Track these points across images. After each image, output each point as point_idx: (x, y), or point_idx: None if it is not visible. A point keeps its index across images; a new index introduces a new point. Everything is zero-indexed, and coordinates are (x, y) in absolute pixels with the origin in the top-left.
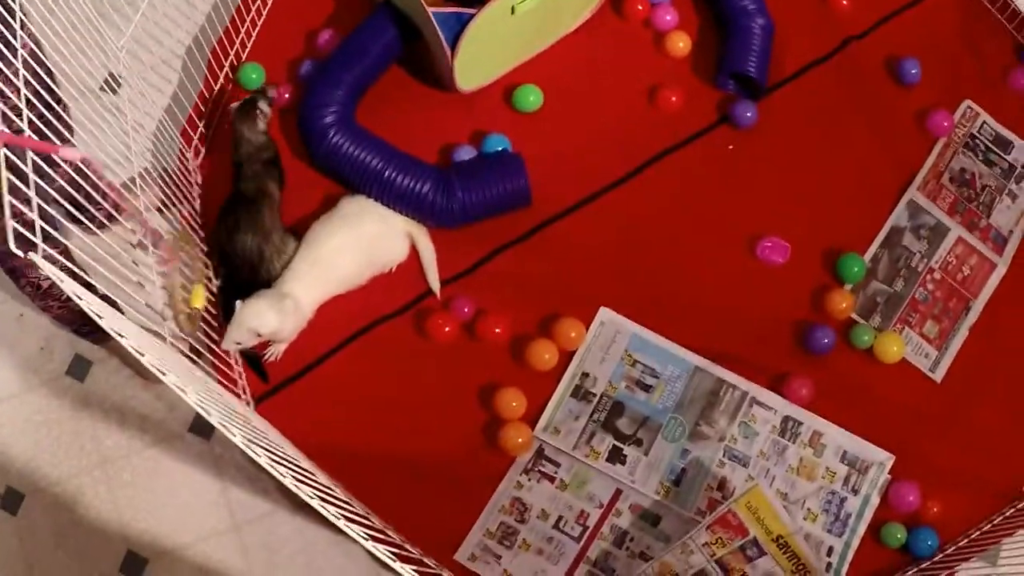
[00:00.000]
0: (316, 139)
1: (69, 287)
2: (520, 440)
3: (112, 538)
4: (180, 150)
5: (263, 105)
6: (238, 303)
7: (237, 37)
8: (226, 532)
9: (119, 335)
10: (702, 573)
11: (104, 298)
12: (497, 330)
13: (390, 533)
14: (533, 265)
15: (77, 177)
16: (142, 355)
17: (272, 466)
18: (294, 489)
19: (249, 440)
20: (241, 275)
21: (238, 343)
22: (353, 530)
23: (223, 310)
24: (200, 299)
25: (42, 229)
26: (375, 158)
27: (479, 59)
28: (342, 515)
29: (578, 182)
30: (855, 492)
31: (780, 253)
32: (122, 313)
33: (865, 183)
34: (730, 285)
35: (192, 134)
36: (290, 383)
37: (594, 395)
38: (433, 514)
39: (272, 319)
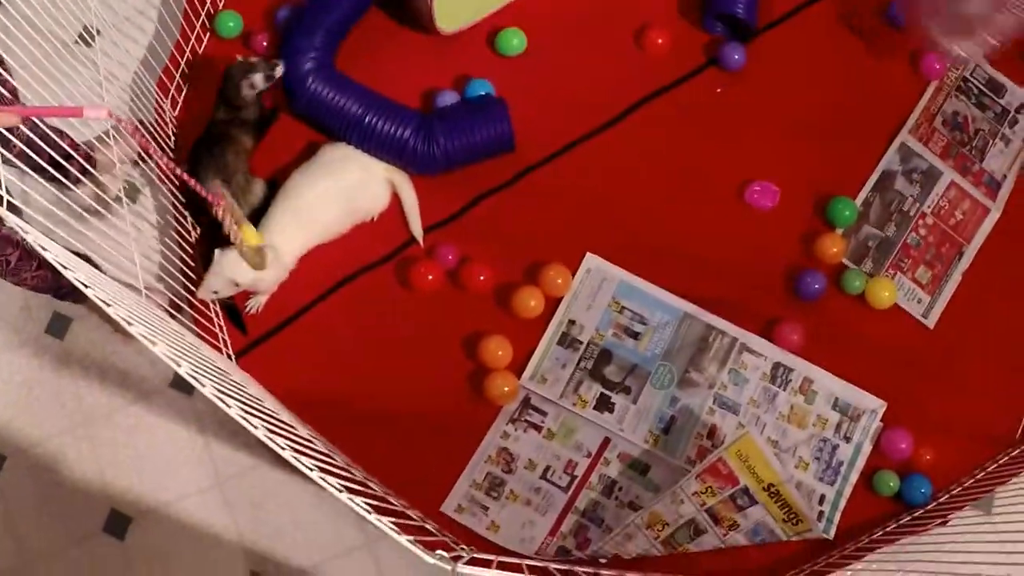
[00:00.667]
0: (295, 86)
1: (33, 238)
2: (506, 389)
3: (95, 497)
4: (157, 101)
5: (256, 78)
6: (216, 251)
7: None
8: (209, 488)
9: (84, 285)
10: (692, 523)
11: (77, 254)
12: (481, 277)
13: (372, 485)
14: (518, 211)
15: (36, 138)
16: (107, 305)
17: (243, 418)
18: (267, 442)
19: (220, 391)
20: (211, 217)
21: (215, 292)
22: (328, 482)
23: (202, 259)
24: (253, 236)
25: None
26: (355, 104)
27: None
28: (317, 467)
29: (563, 127)
30: (847, 440)
31: (770, 198)
32: (98, 268)
33: (856, 126)
34: (719, 230)
35: (169, 84)
36: (272, 335)
37: (581, 343)
38: (419, 465)
39: (248, 269)
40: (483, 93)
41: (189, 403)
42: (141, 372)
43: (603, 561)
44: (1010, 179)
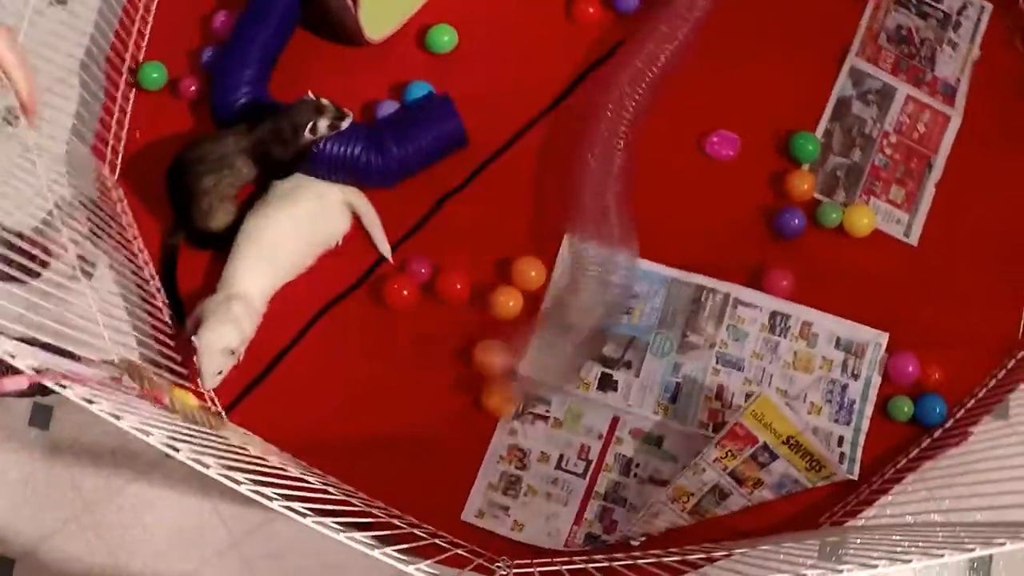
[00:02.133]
0: (233, 123)
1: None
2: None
3: None
4: (95, 169)
5: (321, 124)
6: (194, 339)
7: (130, 39)
8: (227, 550)
9: (62, 387)
10: (716, 488)
11: (45, 346)
12: (458, 286)
13: (376, 511)
14: (481, 208)
15: None
16: (90, 403)
17: (224, 476)
18: (254, 496)
19: (196, 452)
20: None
21: (220, 372)
22: (325, 524)
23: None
24: (189, 396)
25: None
26: None
27: (383, 2)
28: (312, 510)
29: (510, 115)
30: (855, 377)
31: (729, 146)
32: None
33: (802, 59)
34: (686, 189)
35: (103, 149)
36: (257, 384)
37: (572, 324)
38: (431, 482)
39: (232, 330)
40: (424, 94)
41: (189, 469)
42: (134, 447)
43: (635, 544)
44: (964, 82)
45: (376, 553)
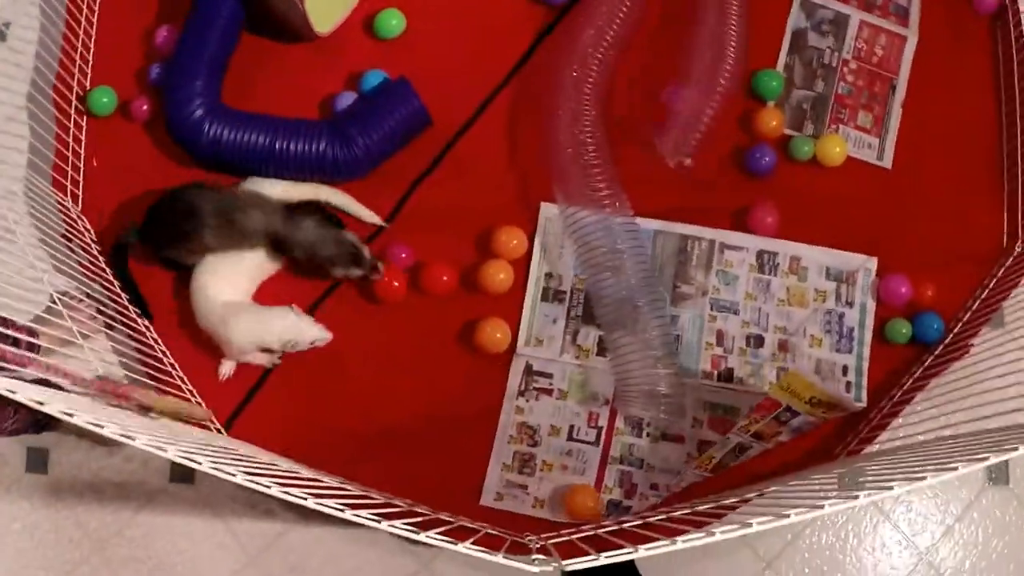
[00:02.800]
0: (192, 137)
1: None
2: (498, 335)
3: None
4: (58, 202)
5: (354, 272)
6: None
7: (75, 67)
8: (244, 568)
9: (67, 415)
10: (739, 447)
11: (38, 381)
12: (444, 278)
13: (396, 502)
14: (454, 188)
15: None
16: (101, 427)
17: (250, 480)
18: (280, 494)
19: (215, 463)
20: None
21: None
22: (363, 516)
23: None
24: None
25: None
26: (259, 135)
27: None
28: (345, 506)
29: (469, 90)
30: (850, 305)
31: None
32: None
33: None
34: (652, 144)
35: (64, 181)
36: (253, 395)
37: (564, 293)
38: (444, 473)
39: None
40: (381, 81)
41: (195, 492)
42: (136, 478)
43: (658, 500)
44: (915, 0)
45: (422, 536)
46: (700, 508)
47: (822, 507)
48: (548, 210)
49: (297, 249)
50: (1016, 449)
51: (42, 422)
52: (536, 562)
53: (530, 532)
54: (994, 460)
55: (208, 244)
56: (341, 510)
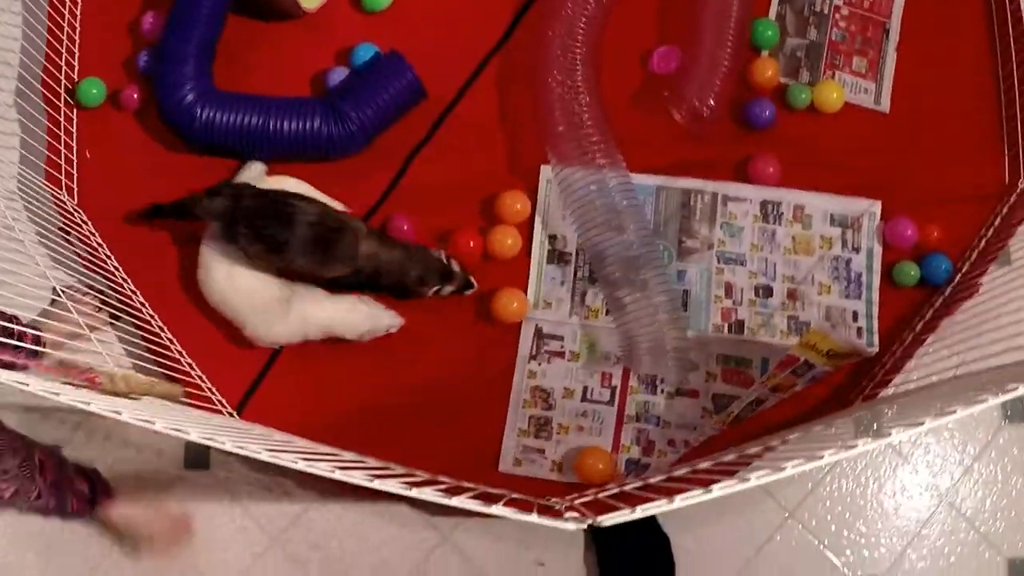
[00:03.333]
0: (185, 122)
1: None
2: (515, 305)
3: None
4: (53, 196)
5: (446, 290)
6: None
7: (61, 60)
8: (267, 551)
9: (85, 404)
10: (756, 400)
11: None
12: (471, 243)
13: (418, 473)
14: (451, 158)
15: None
16: (119, 414)
17: (275, 457)
18: (306, 468)
19: (238, 443)
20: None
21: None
22: (389, 485)
23: None
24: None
25: None
26: (253, 116)
27: None
28: (372, 476)
29: (460, 59)
30: (856, 250)
31: (674, 59)
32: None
33: None
34: (649, 103)
35: (58, 175)
36: (263, 377)
37: (569, 254)
38: (460, 442)
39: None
40: (372, 55)
41: (210, 477)
42: (151, 467)
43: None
44: None
45: (453, 501)
46: (724, 459)
47: (854, 446)
48: (548, 172)
49: (385, 276)
50: None
51: (67, 512)
52: (572, 520)
53: (551, 496)
54: (1021, 392)
55: (290, 249)
56: (369, 480)
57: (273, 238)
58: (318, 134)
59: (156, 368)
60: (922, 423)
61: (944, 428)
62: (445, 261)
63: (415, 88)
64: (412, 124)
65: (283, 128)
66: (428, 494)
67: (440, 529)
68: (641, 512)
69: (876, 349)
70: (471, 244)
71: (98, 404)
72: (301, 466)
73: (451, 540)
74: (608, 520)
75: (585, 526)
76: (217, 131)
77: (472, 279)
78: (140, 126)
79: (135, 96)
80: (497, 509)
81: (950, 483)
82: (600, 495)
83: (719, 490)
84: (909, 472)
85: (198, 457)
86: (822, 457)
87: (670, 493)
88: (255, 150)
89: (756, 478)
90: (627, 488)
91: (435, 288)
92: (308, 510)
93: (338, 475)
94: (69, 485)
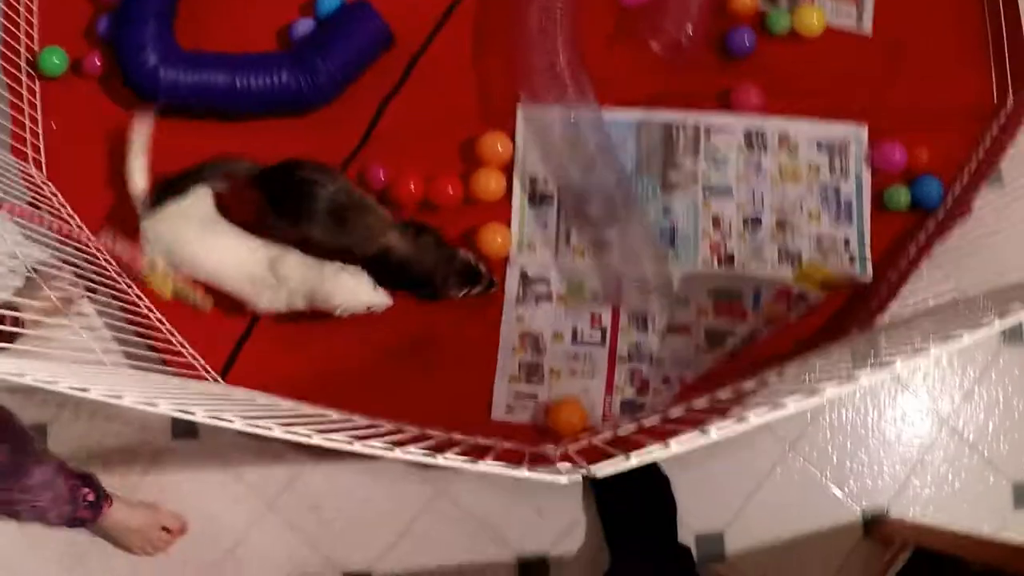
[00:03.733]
0: (149, 85)
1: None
2: (499, 240)
3: None
4: (20, 170)
5: (475, 291)
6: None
7: (20, 30)
8: (263, 517)
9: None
10: (751, 334)
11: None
12: (450, 190)
13: (407, 428)
14: (425, 103)
15: None
16: (85, 391)
17: (250, 425)
18: (283, 435)
19: (212, 412)
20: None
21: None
22: (369, 446)
23: None
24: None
25: None
26: (219, 74)
27: None
28: (353, 438)
29: (429, 3)
30: (845, 176)
31: None
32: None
33: None
34: (625, 36)
35: (23, 148)
36: (246, 339)
37: (551, 195)
38: (450, 392)
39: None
40: (337, 4)
41: (200, 445)
42: (139, 438)
43: (672, 394)
44: None
45: (440, 460)
46: (721, 398)
47: (857, 379)
48: (524, 112)
49: (411, 273)
50: None
51: (76, 520)
52: (565, 472)
53: (545, 443)
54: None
55: (313, 235)
56: (349, 442)
57: (291, 209)
58: (286, 88)
59: (138, 339)
60: (927, 349)
61: (943, 353)
62: (473, 263)
63: (383, 35)
64: (382, 71)
65: (250, 85)
66: (413, 453)
67: (435, 483)
68: (636, 460)
69: (870, 276)
70: (450, 191)
71: (97, 390)
72: (277, 432)
73: (448, 493)
74: (602, 471)
75: (579, 478)
76: (182, 92)
77: (494, 278)
78: (105, 93)
79: (97, 62)
80: (484, 466)
81: (951, 408)
82: (594, 440)
83: (717, 433)
84: (910, 398)
85: (186, 425)
86: (823, 391)
87: (665, 436)
88: (223, 109)
89: (755, 416)
90: (621, 432)
91: (464, 291)
92: (302, 473)
93: (316, 439)
94: (78, 492)
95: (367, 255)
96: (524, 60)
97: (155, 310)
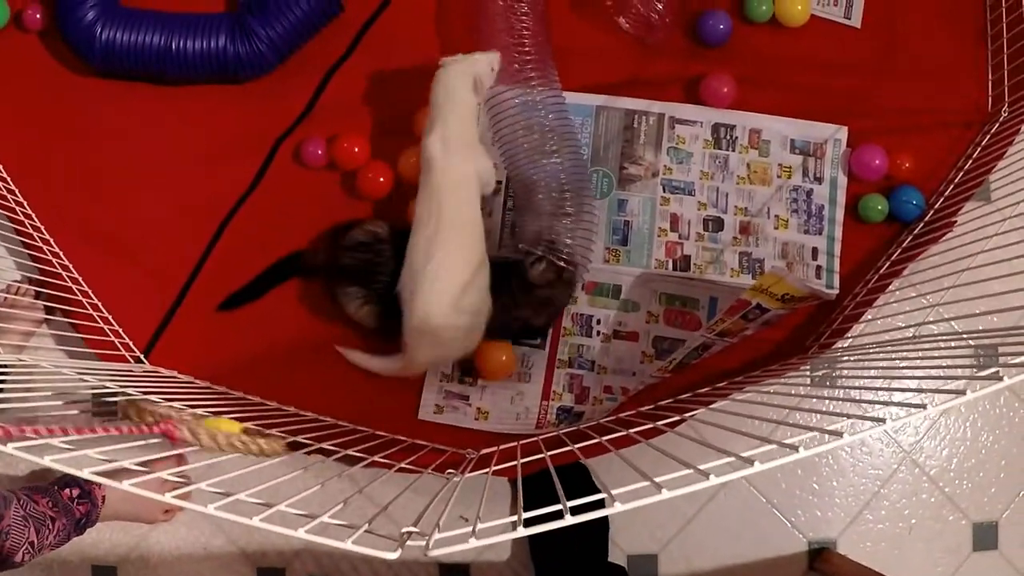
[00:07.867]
0: (85, 43)
1: None
2: None
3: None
4: None
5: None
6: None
7: None
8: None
9: None
10: (702, 346)
11: None
12: (381, 180)
13: (324, 419)
14: (373, 75)
15: None
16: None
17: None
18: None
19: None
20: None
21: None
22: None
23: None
24: (223, 422)
25: None
26: (156, 35)
27: None
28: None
29: None
30: (818, 180)
31: None
32: None
33: None
34: (591, 12)
35: None
36: (171, 316)
37: (499, 182)
38: (377, 388)
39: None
40: None
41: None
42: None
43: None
44: None
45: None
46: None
47: (840, 435)
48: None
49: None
50: None
51: (81, 525)
52: (407, 536)
53: (473, 447)
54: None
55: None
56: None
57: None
58: (224, 53)
59: (52, 306)
60: (924, 407)
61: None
62: (542, 256)
63: (331, 1)
64: (329, 38)
65: (186, 48)
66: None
67: (357, 481)
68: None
69: (836, 291)
70: (381, 179)
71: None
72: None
73: (366, 492)
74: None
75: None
76: (117, 52)
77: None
78: (46, 49)
79: (38, 16)
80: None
81: (914, 440)
82: (516, 443)
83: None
84: (868, 426)
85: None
86: (797, 450)
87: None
88: (159, 72)
89: (715, 476)
90: (542, 438)
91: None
92: (219, 460)
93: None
94: (59, 499)
95: None
96: (488, 34)
97: (82, 282)
